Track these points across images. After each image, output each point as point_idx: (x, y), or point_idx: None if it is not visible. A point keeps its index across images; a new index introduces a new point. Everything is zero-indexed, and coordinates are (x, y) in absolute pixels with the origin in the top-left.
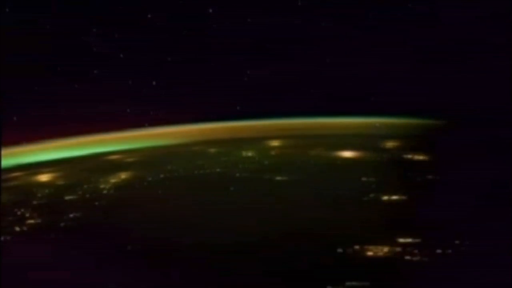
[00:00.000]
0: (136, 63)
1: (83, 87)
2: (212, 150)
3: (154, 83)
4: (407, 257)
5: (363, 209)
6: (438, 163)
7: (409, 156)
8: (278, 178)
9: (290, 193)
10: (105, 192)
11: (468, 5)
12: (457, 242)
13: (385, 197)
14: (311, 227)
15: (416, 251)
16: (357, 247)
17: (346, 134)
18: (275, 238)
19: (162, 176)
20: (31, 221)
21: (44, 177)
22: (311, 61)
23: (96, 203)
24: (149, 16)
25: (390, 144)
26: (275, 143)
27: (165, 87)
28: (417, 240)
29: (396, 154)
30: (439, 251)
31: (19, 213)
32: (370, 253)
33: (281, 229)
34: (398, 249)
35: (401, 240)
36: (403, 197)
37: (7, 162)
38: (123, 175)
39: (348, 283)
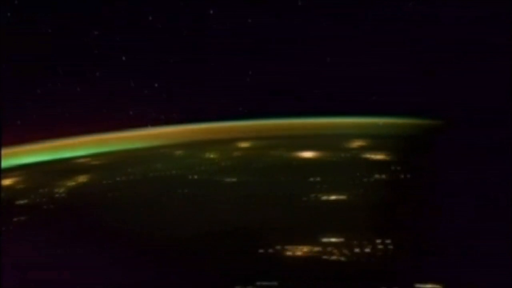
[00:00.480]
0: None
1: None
2: (178, 152)
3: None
4: (325, 257)
5: (296, 209)
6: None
7: (371, 156)
8: (228, 179)
9: (231, 195)
10: (56, 196)
11: (468, 5)
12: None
13: (325, 197)
14: (238, 227)
15: (336, 251)
16: (278, 247)
17: (328, 134)
18: (198, 238)
19: (118, 179)
20: None
21: (7, 181)
22: (310, 61)
23: (45, 207)
24: (150, 18)
25: (356, 143)
26: (244, 144)
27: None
28: (340, 240)
29: (357, 154)
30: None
31: None
32: (289, 253)
33: (205, 230)
34: (319, 248)
35: (325, 240)
36: (342, 197)
37: None
38: (81, 179)
39: (258, 283)
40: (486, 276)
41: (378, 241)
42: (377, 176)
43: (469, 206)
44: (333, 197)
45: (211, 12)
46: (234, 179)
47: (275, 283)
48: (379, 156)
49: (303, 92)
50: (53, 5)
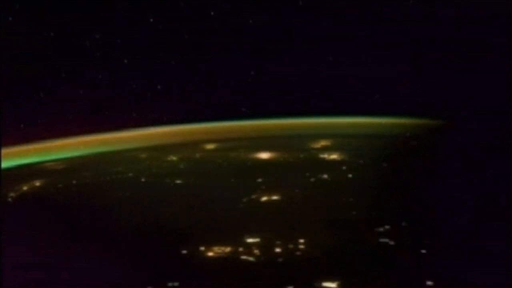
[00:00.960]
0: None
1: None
2: (143, 155)
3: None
4: (244, 257)
5: (232, 210)
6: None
7: (327, 156)
8: (177, 181)
9: (171, 197)
10: (10, 200)
11: (468, 5)
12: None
13: (266, 198)
14: (167, 229)
15: (257, 251)
16: (202, 248)
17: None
18: (122, 239)
19: (74, 182)
20: None
21: None
22: (310, 61)
23: None
24: (151, 20)
25: (321, 143)
26: (210, 146)
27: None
28: (258, 241)
29: (315, 154)
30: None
31: None
32: (210, 254)
33: (133, 231)
34: (242, 249)
35: (251, 240)
36: (281, 198)
37: None
38: (38, 183)
39: (170, 284)
40: (486, 276)
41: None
42: (325, 175)
43: (469, 206)
44: (274, 197)
45: (212, 13)
46: (182, 181)
47: (184, 283)
48: (334, 156)
49: (302, 92)
50: (54, 10)
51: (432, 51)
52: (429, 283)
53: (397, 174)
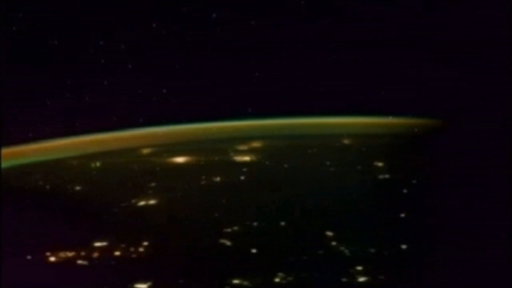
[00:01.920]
0: None
1: None
2: (74, 162)
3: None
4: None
5: (96, 215)
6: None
7: (240, 158)
8: (77, 188)
9: (67, 202)
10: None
11: (468, 5)
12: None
13: (142, 203)
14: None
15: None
16: (48, 253)
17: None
18: None
19: None
20: None
21: None
22: (310, 61)
23: None
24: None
25: (249, 146)
26: (145, 151)
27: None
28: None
29: (230, 157)
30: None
31: None
32: (53, 258)
33: None
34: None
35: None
36: (157, 202)
37: None
38: None
39: None
40: (485, 279)
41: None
42: (218, 178)
43: (468, 206)
44: (151, 202)
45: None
46: (80, 188)
47: None
48: (246, 158)
49: (299, 92)
50: (58, 18)
51: (432, 51)
52: None
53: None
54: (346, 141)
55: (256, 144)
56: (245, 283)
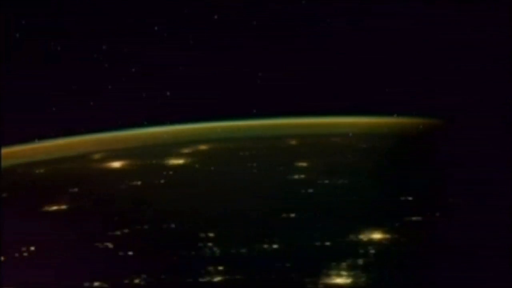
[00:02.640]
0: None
1: None
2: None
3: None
4: None
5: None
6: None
7: (174, 162)
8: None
9: None
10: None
11: (469, 5)
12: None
13: (55, 207)
14: None
15: None
16: None
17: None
18: None
19: None
20: None
21: None
22: (309, 61)
23: None
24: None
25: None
26: (97, 156)
27: None
28: None
29: (163, 160)
30: None
31: None
32: None
33: None
34: None
35: None
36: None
37: None
38: None
39: None
40: (487, 280)
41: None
42: (139, 182)
43: (470, 206)
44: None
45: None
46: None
47: None
48: (180, 161)
49: (298, 92)
50: (60, 25)
51: (431, 51)
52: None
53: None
54: (292, 142)
55: (203, 146)
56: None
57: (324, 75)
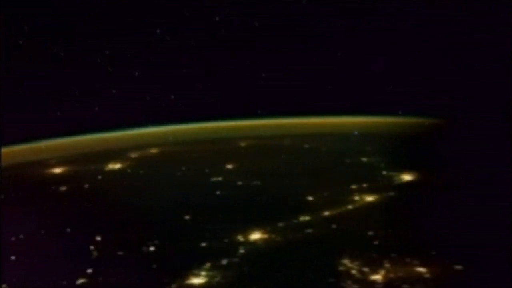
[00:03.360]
0: None
1: None
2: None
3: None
4: None
5: None
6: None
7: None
8: None
9: None
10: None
11: (469, 5)
12: None
13: None
14: None
15: None
16: None
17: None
18: None
19: None
20: None
21: None
22: (309, 61)
23: None
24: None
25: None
26: (52, 161)
27: None
28: None
29: (102, 166)
30: None
31: None
32: None
33: None
34: None
35: None
36: None
37: None
38: None
39: None
40: (487, 280)
41: None
42: (64, 187)
43: (470, 207)
44: None
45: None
46: None
47: None
48: (117, 166)
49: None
50: (63, 30)
51: (431, 51)
52: None
53: None
54: (242, 144)
55: (153, 150)
56: None
57: (323, 75)
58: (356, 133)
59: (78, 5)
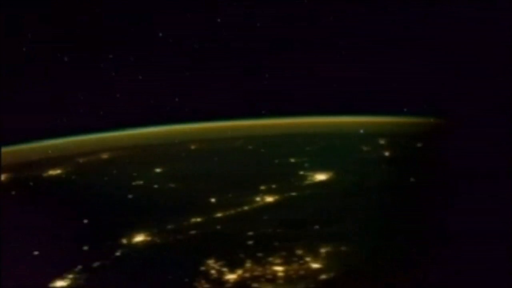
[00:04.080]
0: None
1: None
2: None
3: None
4: None
5: None
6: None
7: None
8: None
9: None
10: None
11: (469, 5)
12: None
13: None
14: None
15: None
16: None
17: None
18: None
19: None
20: None
21: None
22: (309, 61)
23: None
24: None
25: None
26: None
27: None
28: None
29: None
30: None
31: None
32: None
33: None
34: None
35: None
36: None
37: None
38: None
39: None
40: (487, 280)
41: None
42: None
43: (470, 207)
44: None
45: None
46: None
47: None
48: (57, 171)
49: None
50: (66, 36)
51: (431, 51)
52: None
53: None
54: (192, 146)
55: (104, 155)
56: None
57: (324, 75)
58: (361, 131)
59: (82, 9)
